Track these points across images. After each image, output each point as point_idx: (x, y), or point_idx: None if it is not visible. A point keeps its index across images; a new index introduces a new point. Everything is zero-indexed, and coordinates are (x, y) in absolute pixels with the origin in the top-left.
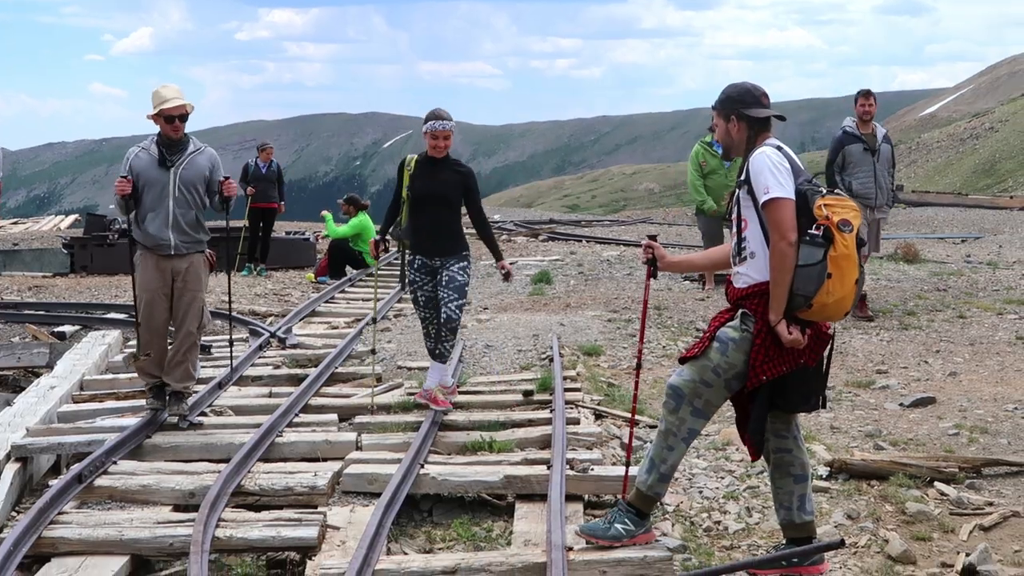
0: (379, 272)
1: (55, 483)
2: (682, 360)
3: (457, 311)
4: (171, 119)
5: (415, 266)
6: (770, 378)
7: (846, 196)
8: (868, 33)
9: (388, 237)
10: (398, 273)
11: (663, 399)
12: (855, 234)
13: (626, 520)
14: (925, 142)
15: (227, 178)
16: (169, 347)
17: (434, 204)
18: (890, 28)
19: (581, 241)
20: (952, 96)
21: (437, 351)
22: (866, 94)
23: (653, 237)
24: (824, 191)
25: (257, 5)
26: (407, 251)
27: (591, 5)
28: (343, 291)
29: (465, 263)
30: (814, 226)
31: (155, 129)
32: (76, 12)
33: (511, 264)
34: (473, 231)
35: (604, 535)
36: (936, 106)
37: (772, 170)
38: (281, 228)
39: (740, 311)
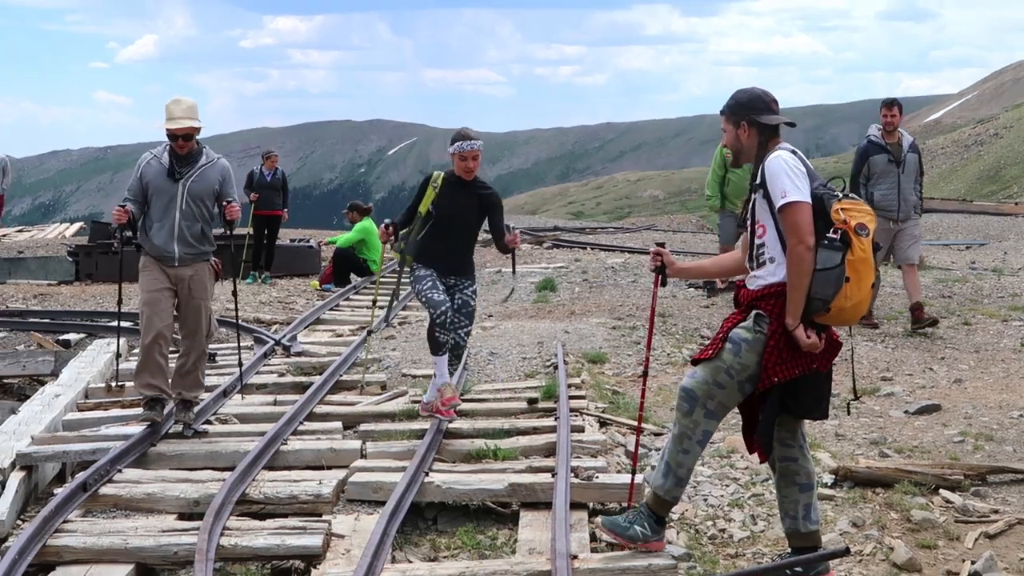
0: (381, 280)
1: (60, 491)
2: (694, 361)
3: (467, 337)
4: (175, 138)
5: (431, 269)
6: (782, 380)
7: (861, 200)
8: (873, 39)
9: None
10: (402, 281)
11: (676, 402)
12: (871, 238)
13: (645, 524)
14: (930, 148)
15: (230, 202)
16: (177, 357)
17: (460, 227)
18: (894, 34)
19: (586, 248)
20: (957, 102)
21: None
22: (890, 104)
23: (661, 244)
24: (840, 195)
25: (261, 12)
26: (421, 263)
27: (595, 12)
28: (348, 299)
29: (476, 285)
30: (832, 230)
31: (163, 135)
32: (80, 19)
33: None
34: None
35: (624, 534)
36: (941, 112)
37: (789, 174)
38: (286, 236)
39: (754, 312)
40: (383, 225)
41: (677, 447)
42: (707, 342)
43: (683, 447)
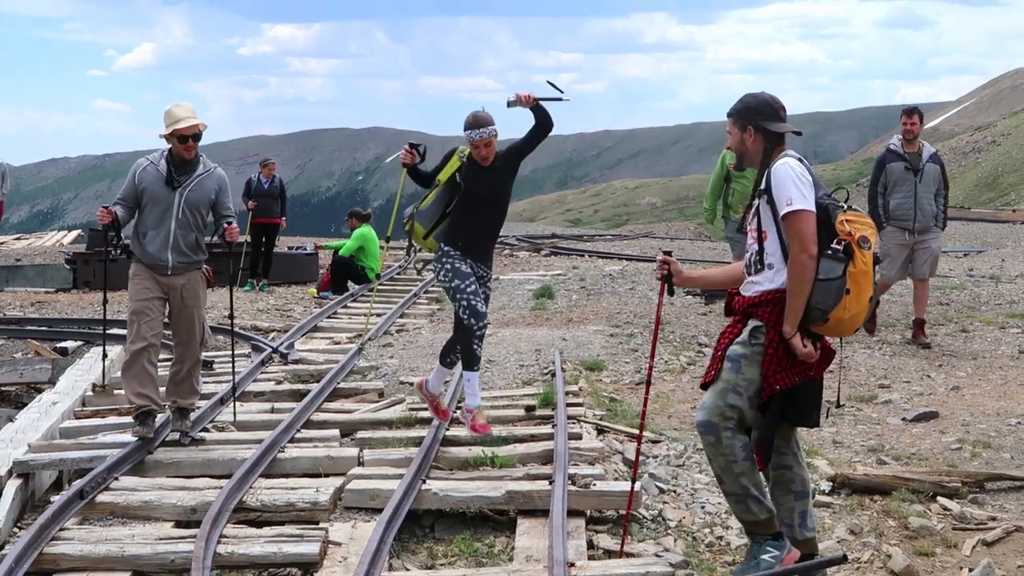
0: (379, 288)
1: (57, 499)
2: (703, 386)
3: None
4: (184, 139)
5: (469, 265)
6: (783, 388)
7: (864, 213)
8: (871, 47)
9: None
10: (398, 289)
11: (701, 441)
12: (872, 251)
13: (767, 548)
14: None
15: (230, 223)
16: (170, 365)
17: (490, 204)
18: (893, 42)
19: (583, 256)
20: (955, 109)
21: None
22: (909, 112)
23: (668, 253)
24: (844, 206)
25: (259, 20)
26: (453, 248)
27: (592, 20)
28: (345, 306)
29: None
30: (835, 241)
31: (162, 143)
32: (79, 28)
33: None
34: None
35: (758, 570)
36: (939, 119)
37: (796, 182)
38: (283, 243)
39: (750, 326)
40: (407, 144)
41: (731, 476)
42: (705, 350)
43: (736, 472)
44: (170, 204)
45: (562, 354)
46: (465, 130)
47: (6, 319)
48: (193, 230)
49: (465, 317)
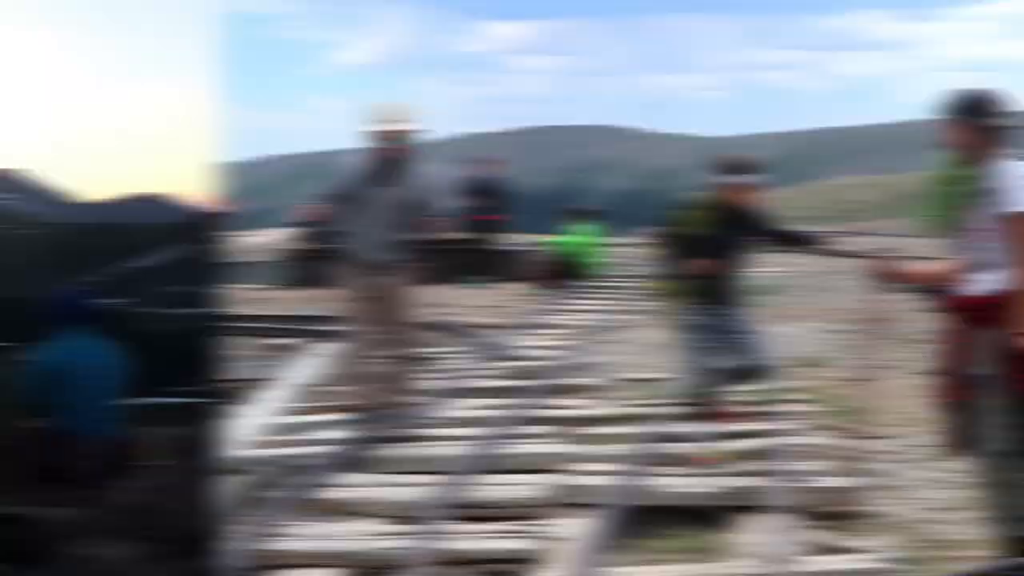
0: (599, 285)
1: (275, 496)
2: (945, 405)
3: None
4: (391, 139)
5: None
6: None
7: None
8: None
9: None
10: (619, 286)
11: (991, 468)
12: None
13: None
14: None
15: (436, 217)
16: (384, 364)
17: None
18: None
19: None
20: None
21: None
22: None
23: (886, 250)
24: None
25: (479, 19)
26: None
27: (810, 16)
28: (563, 302)
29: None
30: None
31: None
32: (299, 24)
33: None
34: None
35: None
36: None
37: (1021, 184)
38: (503, 241)
39: (984, 339)
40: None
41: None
42: (923, 348)
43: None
44: (380, 202)
45: (780, 350)
46: (726, 173)
47: (242, 316)
48: (402, 228)
49: None
